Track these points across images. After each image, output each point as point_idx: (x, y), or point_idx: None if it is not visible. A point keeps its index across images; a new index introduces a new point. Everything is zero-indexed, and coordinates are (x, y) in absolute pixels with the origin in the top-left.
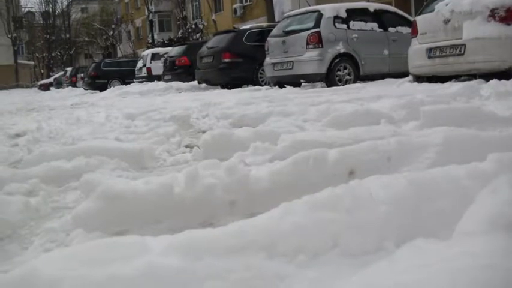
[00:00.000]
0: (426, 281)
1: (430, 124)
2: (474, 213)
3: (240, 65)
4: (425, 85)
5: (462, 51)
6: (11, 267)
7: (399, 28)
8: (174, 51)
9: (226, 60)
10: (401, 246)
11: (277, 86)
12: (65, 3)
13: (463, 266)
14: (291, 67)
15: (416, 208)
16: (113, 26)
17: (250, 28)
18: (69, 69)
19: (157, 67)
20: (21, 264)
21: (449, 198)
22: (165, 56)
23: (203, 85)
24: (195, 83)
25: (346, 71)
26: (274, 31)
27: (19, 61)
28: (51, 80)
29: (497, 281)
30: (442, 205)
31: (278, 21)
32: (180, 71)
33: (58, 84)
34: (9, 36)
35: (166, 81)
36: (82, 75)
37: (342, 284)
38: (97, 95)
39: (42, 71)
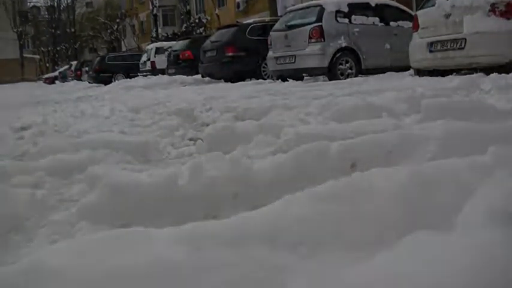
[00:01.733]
0: (426, 273)
1: (431, 117)
2: (475, 206)
3: (243, 59)
4: (427, 79)
5: (463, 46)
6: (17, 258)
7: (400, 22)
8: (177, 45)
9: (230, 54)
10: (402, 238)
11: (279, 80)
12: None
13: (464, 257)
14: (293, 61)
15: (417, 200)
16: (117, 21)
17: (253, 22)
18: (74, 63)
19: (161, 61)
20: (27, 255)
21: (450, 190)
22: (169, 50)
23: (207, 79)
24: (199, 76)
25: (348, 64)
26: (277, 25)
27: (25, 55)
28: (56, 73)
29: (498, 273)
30: (443, 197)
31: (280, 16)
32: (184, 64)
33: (63, 78)
34: (15, 30)
35: (170, 75)
36: (87, 69)
37: (343, 276)
38: (102, 89)
39: (47, 64)
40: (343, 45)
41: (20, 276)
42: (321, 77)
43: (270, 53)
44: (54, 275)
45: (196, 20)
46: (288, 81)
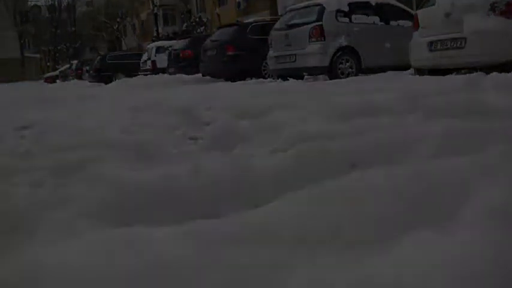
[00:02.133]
0: (426, 272)
1: (431, 116)
2: (474, 205)
3: (243, 58)
4: (427, 78)
5: (463, 45)
6: (17, 258)
7: (400, 22)
8: (178, 44)
9: (230, 53)
10: (402, 237)
11: (280, 79)
12: None
13: (463, 256)
14: (294, 60)
15: (417, 199)
16: (118, 20)
17: (254, 22)
18: (74, 62)
19: (162, 60)
20: (27, 255)
21: (450, 189)
22: (170, 49)
23: (207, 78)
24: (199, 75)
25: (348, 63)
26: (277, 25)
27: (25, 54)
28: (57, 73)
29: (496, 271)
30: (442, 196)
31: (281, 15)
32: (185, 64)
33: (64, 77)
34: (16, 29)
35: (171, 74)
36: (87, 68)
37: (343, 275)
38: (102, 88)
39: (48, 64)
40: (344, 44)
41: (20, 275)
42: (321, 76)
43: (271, 52)
44: (54, 274)
45: (197, 19)
46: (288, 80)
